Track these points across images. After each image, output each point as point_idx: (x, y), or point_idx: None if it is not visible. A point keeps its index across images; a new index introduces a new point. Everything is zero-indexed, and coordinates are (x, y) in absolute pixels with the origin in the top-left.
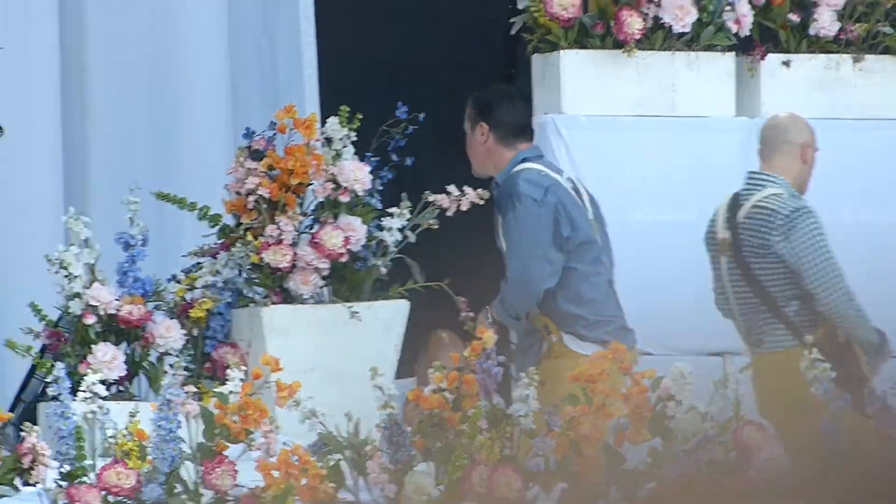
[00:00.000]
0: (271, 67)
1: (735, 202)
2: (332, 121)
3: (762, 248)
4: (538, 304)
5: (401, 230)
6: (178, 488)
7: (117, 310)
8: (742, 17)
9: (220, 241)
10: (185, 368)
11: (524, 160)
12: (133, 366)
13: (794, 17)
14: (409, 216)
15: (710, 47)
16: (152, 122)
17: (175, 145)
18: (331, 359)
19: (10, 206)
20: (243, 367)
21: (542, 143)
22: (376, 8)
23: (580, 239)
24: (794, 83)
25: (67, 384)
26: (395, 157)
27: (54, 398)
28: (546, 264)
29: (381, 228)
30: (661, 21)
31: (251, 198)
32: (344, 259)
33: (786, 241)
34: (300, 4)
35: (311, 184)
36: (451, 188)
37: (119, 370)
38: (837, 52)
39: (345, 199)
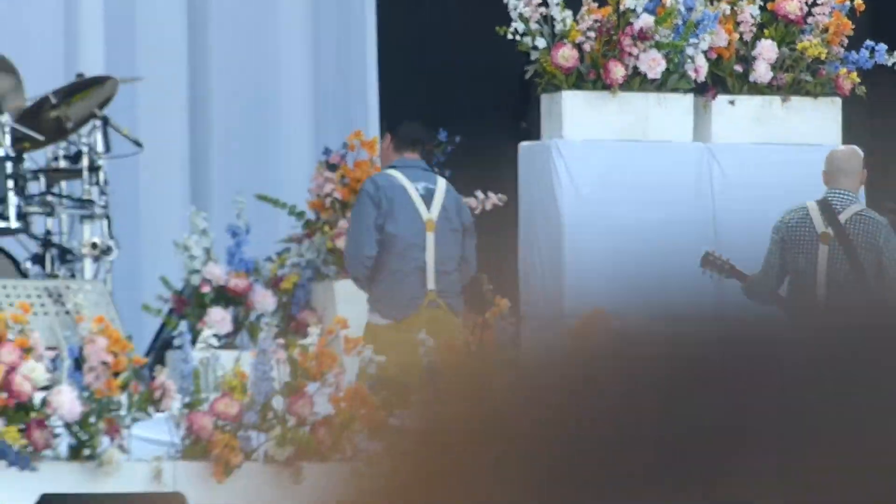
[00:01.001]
0: (345, 101)
1: (829, 209)
2: None
3: (869, 244)
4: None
5: None
6: (270, 415)
7: (226, 282)
8: (699, 68)
9: (304, 231)
10: (276, 326)
11: (392, 166)
12: (237, 324)
13: (738, 68)
14: None
15: (674, 90)
16: (258, 141)
17: (274, 159)
18: None
19: (150, 204)
20: (320, 325)
21: (547, 161)
22: (427, 58)
23: (390, 231)
24: (738, 117)
25: (189, 337)
26: (436, 170)
27: (179, 347)
28: (368, 236)
29: None
30: (639, 70)
31: (328, 199)
32: None
33: (885, 241)
34: (367, 67)
35: None
36: (479, 193)
37: (227, 327)
38: (770, 94)
39: None
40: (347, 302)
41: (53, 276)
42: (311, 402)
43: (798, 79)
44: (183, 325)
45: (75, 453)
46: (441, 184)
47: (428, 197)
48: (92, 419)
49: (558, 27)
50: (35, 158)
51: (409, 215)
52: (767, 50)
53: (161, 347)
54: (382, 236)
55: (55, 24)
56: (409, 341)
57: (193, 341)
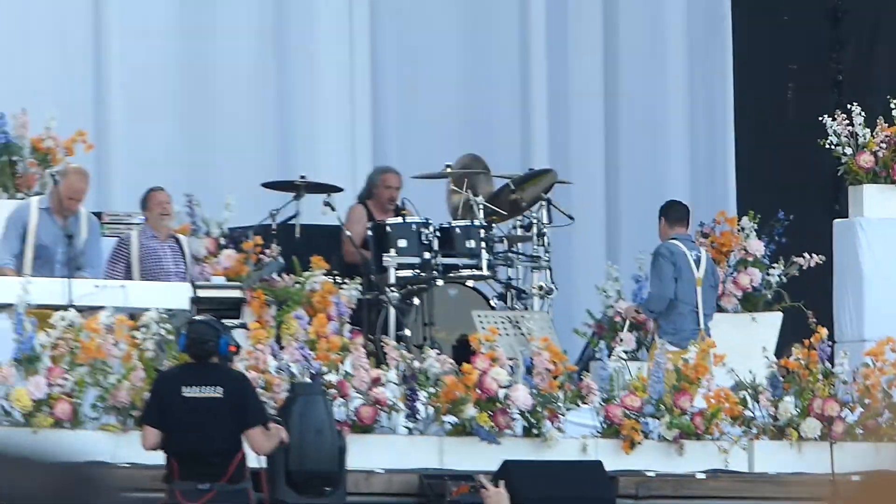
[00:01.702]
0: (712, 191)
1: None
2: (745, 219)
3: None
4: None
5: (778, 276)
6: (662, 407)
7: (635, 314)
8: None
9: None
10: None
11: (672, 238)
12: (639, 343)
13: None
14: (782, 269)
15: None
16: (651, 213)
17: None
18: (739, 342)
19: (579, 259)
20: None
21: (853, 233)
22: (772, 162)
23: (679, 284)
24: None
25: (606, 352)
26: (776, 238)
27: (599, 359)
28: (669, 285)
29: (768, 275)
30: None
31: None
32: (748, 290)
33: None
34: (728, 170)
35: (732, 251)
36: (805, 254)
37: (632, 345)
38: None
39: (750, 259)
40: (714, 329)
41: (513, 309)
42: (690, 398)
43: None
44: (601, 344)
45: (527, 432)
46: (703, 252)
47: (697, 262)
48: (539, 409)
49: (861, 140)
50: (500, 227)
51: (687, 273)
52: None
53: (586, 359)
54: (675, 286)
55: (512, 125)
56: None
57: (609, 355)
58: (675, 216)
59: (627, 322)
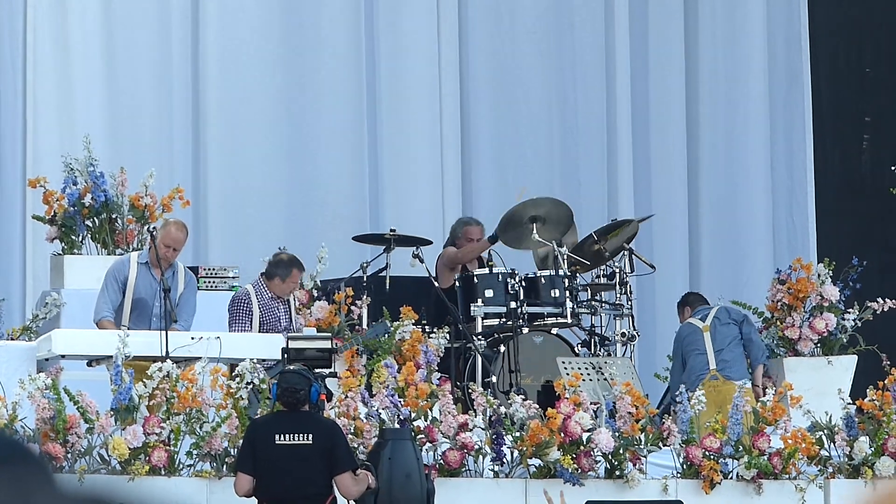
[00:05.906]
0: (793, 240)
1: None
2: (821, 266)
3: None
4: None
5: (853, 320)
6: (740, 448)
7: None
8: None
9: (763, 325)
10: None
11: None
12: None
13: None
14: (857, 314)
15: None
16: (733, 266)
17: (740, 276)
18: (816, 384)
19: (660, 305)
20: (774, 388)
21: None
22: (850, 208)
23: (687, 341)
24: None
25: (685, 396)
26: (851, 283)
27: (680, 402)
28: (676, 376)
29: (843, 319)
30: None
31: (779, 303)
32: (824, 334)
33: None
34: (809, 220)
35: (808, 297)
36: (879, 299)
37: None
38: None
39: (826, 304)
40: (792, 372)
41: (596, 355)
42: (769, 439)
43: None
44: (682, 388)
45: (609, 473)
46: (714, 307)
47: (704, 317)
48: (621, 451)
49: None
50: (584, 277)
51: (695, 331)
52: None
53: (667, 403)
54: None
55: (598, 176)
56: None
57: (689, 398)
58: (696, 302)
59: None
